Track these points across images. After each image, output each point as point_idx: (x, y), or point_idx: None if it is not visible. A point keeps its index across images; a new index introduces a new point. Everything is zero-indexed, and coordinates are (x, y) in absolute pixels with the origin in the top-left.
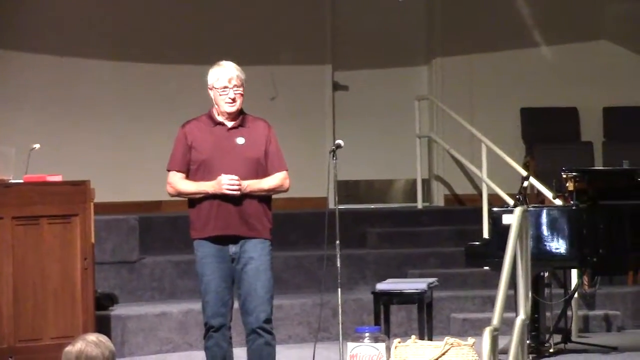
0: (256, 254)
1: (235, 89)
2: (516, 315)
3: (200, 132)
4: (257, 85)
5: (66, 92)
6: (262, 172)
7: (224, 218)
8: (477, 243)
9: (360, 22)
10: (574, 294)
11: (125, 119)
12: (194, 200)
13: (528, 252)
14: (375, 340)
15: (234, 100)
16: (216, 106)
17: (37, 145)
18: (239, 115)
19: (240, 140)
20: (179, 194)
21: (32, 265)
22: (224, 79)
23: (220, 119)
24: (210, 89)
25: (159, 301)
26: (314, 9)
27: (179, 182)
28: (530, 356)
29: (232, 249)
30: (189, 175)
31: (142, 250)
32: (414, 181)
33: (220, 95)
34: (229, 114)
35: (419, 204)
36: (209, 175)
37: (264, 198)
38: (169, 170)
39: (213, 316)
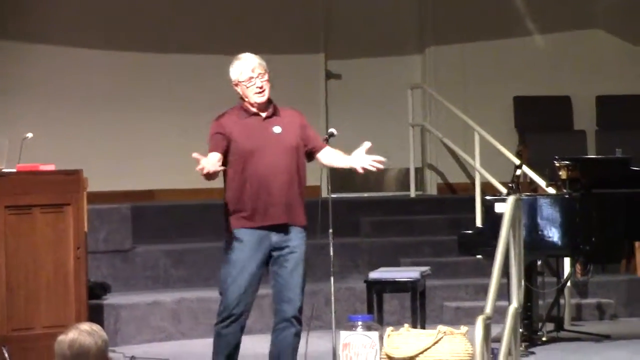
0: (297, 243)
1: (260, 77)
2: (509, 304)
3: (236, 125)
4: None
5: (59, 81)
6: (299, 158)
7: (269, 207)
8: (470, 232)
9: (353, 10)
10: (567, 282)
11: (119, 109)
12: (232, 188)
13: (521, 240)
14: (368, 328)
15: (262, 88)
16: (245, 99)
17: (30, 135)
18: (270, 105)
19: (277, 130)
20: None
21: (25, 255)
22: (247, 70)
23: (253, 110)
24: (236, 85)
25: (151, 290)
26: None
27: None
28: (523, 344)
29: (274, 237)
30: (230, 166)
31: (135, 240)
32: (407, 170)
33: (247, 87)
34: (259, 104)
35: (412, 193)
36: (251, 165)
37: (302, 185)
38: (209, 152)
39: (238, 304)
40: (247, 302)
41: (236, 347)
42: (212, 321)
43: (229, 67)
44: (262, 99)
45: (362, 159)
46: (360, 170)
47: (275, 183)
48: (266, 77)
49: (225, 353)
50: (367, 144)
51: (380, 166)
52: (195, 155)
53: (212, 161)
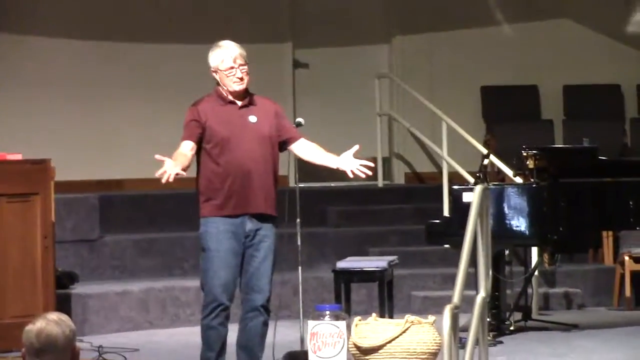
0: (268, 232)
1: (241, 67)
2: (476, 293)
3: (213, 112)
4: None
5: (26, 70)
6: (274, 148)
7: (246, 195)
8: (437, 221)
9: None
10: (535, 271)
11: (87, 98)
12: (208, 175)
13: (488, 230)
14: (336, 318)
15: (241, 79)
16: (224, 87)
17: None
18: (247, 94)
19: (253, 119)
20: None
21: None
22: (229, 59)
23: (230, 98)
24: (215, 72)
25: (119, 280)
26: None
27: (180, 151)
28: (491, 334)
29: (249, 225)
30: (205, 153)
31: (103, 229)
32: (375, 159)
33: (227, 76)
34: (237, 92)
35: (380, 182)
36: (228, 153)
37: (276, 175)
38: (182, 141)
39: (225, 293)
40: (231, 292)
41: (225, 338)
42: (179, 310)
43: (194, 55)
44: (241, 87)
45: (351, 162)
46: (351, 175)
47: (253, 171)
48: (246, 67)
49: (217, 346)
50: (355, 147)
51: (369, 172)
52: (157, 157)
53: (175, 163)
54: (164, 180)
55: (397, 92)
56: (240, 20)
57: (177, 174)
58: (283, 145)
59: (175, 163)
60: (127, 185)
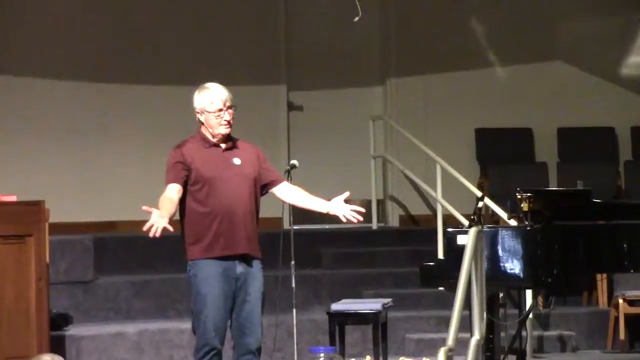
0: (258, 274)
1: (229, 110)
2: (471, 336)
3: (198, 153)
4: None
5: (21, 111)
6: (257, 191)
7: (233, 236)
8: (431, 263)
9: (315, 42)
10: (529, 314)
11: (80, 140)
12: (195, 217)
13: (483, 272)
14: None
15: (228, 122)
16: (209, 129)
17: None
18: (229, 137)
19: (237, 161)
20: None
21: None
22: (218, 101)
23: (213, 140)
24: (200, 113)
25: (114, 321)
26: (267, 30)
27: (166, 196)
28: None
29: (239, 268)
30: (190, 195)
31: (97, 270)
32: (369, 201)
33: (215, 118)
34: (222, 135)
35: (374, 225)
36: (214, 194)
37: (257, 217)
38: (167, 184)
39: (217, 337)
40: (222, 335)
41: None
42: (173, 352)
43: (188, 97)
44: (227, 130)
45: (342, 207)
46: (343, 219)
47: (239, 213)
48: (232, 110)
49: None
50: (346, 194)
51: (360, 218)
52: (145, 208)
53: (161, 214)
54: (151, 235)
55: (391, 134)
56: (235, 62)
57: (164, 228)
58: (264, 188)
59: (161, 213)
60: (120, 227)
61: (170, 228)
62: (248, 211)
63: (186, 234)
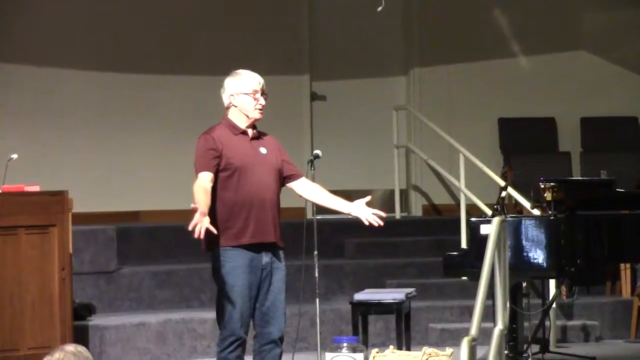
0: (282, 264)
1: (263, 95)
2: (494, 325)
3: (228, 140)
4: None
5: (44, 102)
6: (280, 181)
7: (262, 224)
8: (455, 253)
9: (338, 32)
10: (552, 304)
11: (104, 129)
12: (224, 205)
13: (506, 262)
14: (354, 350)
15: (262, 107)
16: (244, 112)
17: (15, 156)
18: (254, 127)
19: (263, 150)
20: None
21: (10, 276)
22: (256, 83)
23: (241, 128)
24: (235, 96)
25: (137, 311)
26: (291, 20)
27: (201, 186)
28: None
29: (265, 258)
30: (221, 181)
31: (120, 261)
32: (392, 191)
33: (253, 100)
34: (255, 120)
35: (397, 214)
36: (244, 182)
37: (279, 207)
38: (200, 172)
39: (242, 327)
40: (247, 325)
41: None
42: (197, 342)
43: (211, 86)
44: (260, 116)
45: (364, 210)
46: (366, 223)
47: (267, 201)
48: (266, 97)
49: None
50: (367, 198)
51: (381, 222)
52: (193, 205)
53: (204, 211)
54: (195, 235)
55: (414, 124)
56: (258, 52)
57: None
58: (283, 180)
59: (202, 209)
60: (143, 217)
61: (214, 230)
62: (275, 200)
63: (216, 221)
